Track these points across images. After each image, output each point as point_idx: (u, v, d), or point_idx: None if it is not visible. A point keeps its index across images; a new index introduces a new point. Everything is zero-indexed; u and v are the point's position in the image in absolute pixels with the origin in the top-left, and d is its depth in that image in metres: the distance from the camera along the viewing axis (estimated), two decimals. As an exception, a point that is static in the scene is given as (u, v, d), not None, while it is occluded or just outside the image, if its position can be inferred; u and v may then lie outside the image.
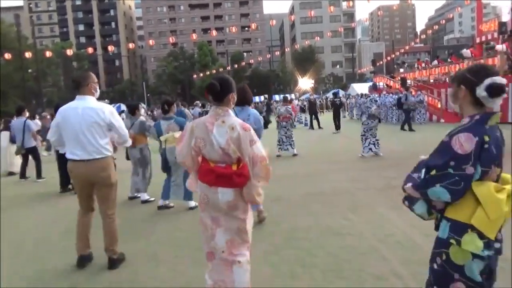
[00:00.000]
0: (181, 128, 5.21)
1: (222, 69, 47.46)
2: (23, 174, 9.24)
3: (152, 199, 6.01)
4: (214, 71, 44.85)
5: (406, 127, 14.79)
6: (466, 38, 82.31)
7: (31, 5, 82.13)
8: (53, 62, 53.15)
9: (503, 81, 1.66)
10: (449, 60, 22.79)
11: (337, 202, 5.33)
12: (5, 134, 10.48)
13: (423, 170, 1.74)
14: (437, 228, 1.81)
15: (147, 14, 77.74)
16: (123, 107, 25.77)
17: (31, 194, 7.51)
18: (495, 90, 1.65)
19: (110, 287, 3.22)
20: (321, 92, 52.01)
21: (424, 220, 1.89)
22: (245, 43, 78.07)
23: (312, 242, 3.88)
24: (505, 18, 21.84)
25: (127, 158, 6.43)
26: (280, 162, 9.14)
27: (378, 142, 9.12)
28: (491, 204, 1.61)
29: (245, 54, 67.30)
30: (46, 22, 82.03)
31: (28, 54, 30.25)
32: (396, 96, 18.40)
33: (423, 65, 25.86)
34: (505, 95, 1.67)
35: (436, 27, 65.41)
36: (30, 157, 9.11)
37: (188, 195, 5.39)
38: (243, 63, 53.71)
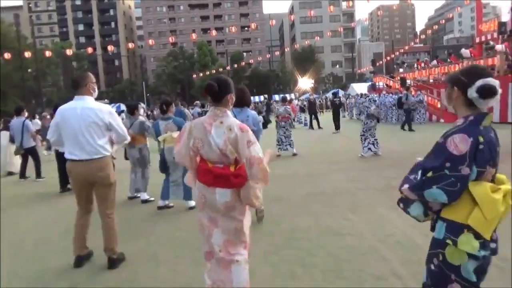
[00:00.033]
0: (179, 128, 5.22)
1: (221, 69, 47.45)
2: (22, 174, 9.24)
3: (152, 199, 6.01)
4: (213, 71, 44.84)
5: (406, 127, 14.81)
6: (466, 38, 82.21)
7: (30, 5, 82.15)
8: (53, 62, 53.08)
9: (495, 82, 1.67)
10: (448, 60, 22.81)
11: (337, 202, 5.33)
12: (5, 134, 10.48)
13: (420, 172, 1.74)
14: (432, 228, 1.82)
15: (147, 14, 77.69)
16: (123, 107, 25.81)
17: (31, 194, 7.51)
18: (486, 92, 1.66)
19: (110, 287, 3.23)
20: (321, 92, 51.99)
21: (420, 222, 1.89)
22: (245, 43, 78.03)
23: (312, 242, 3.88)
24: (504, 18, 21.81)
25: (126, 157, 6.44)
26: (280, 162, 9.13)
27: (377, 142, 9.16)
28: (488, 204, 1.62)
29: (244, 54, 67.22)
30: (46, 21, 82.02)
31: (27, 54, 30.17)
32: (396, 96, 18.41)
33: (422, 65, 25.89)
34: (497, 97, 1.68)
35: (435, 27, 65.54)
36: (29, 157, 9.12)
37: (188, 195, 5.38)
38: (243, 63, 53.61)
